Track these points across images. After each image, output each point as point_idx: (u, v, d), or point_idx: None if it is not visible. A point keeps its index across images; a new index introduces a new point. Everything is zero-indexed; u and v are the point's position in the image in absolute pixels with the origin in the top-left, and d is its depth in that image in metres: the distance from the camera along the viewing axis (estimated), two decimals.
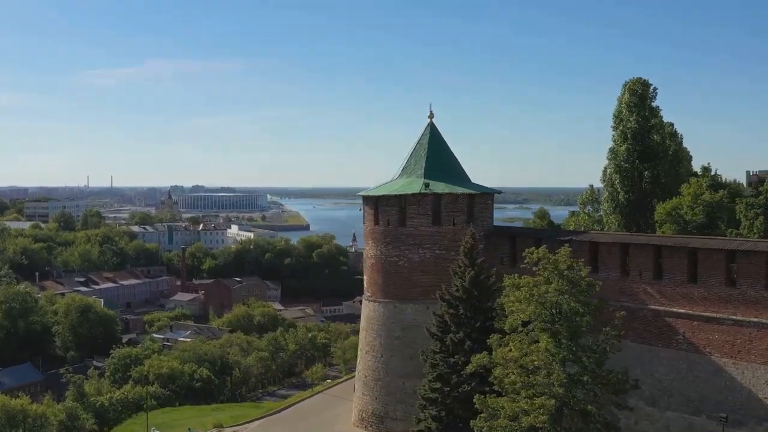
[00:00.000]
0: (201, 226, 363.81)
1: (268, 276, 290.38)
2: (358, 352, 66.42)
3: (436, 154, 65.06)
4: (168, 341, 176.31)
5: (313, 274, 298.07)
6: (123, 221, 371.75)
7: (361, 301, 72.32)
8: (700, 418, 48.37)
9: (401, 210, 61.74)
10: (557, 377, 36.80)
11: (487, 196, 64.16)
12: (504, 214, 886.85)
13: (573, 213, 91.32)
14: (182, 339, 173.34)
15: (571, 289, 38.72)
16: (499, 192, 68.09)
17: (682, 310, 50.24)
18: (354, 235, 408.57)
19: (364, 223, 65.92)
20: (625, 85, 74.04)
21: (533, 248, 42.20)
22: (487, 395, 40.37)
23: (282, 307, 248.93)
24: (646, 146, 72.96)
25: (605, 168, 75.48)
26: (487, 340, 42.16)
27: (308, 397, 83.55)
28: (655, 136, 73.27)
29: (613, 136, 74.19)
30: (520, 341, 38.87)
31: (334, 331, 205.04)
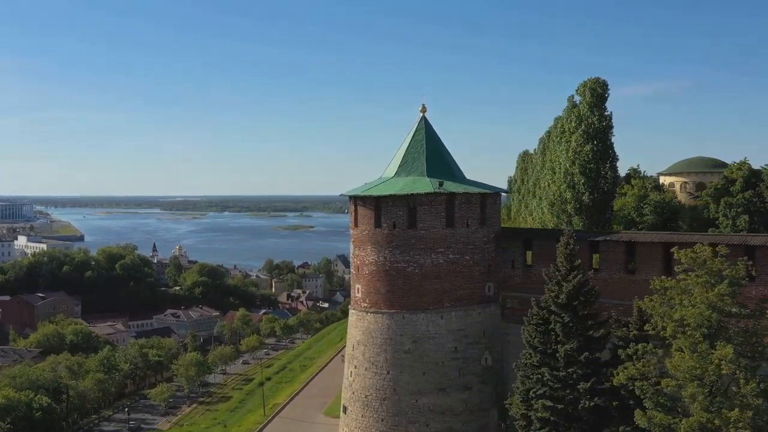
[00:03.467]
0: None
1: (67, 290, 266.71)
2: (349, 370, 59.81)
3: (434, 151, 60.33)
4: None
5: (117, 286, 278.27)
6: None
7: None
8: None
9: (410, 211, 56.31)
10: (752, 387, 33.76)
11: (496, 195, 60.42)
12: (285, 222, 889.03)
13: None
14: None
15: (733, 292, 35.93)
16: (506, 191, 64.37)
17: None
18: (154, 245, 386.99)
19: (355, 226, 59.56)
20: (585, 85, 73.18)
21: (688, 249, 38.76)
22: (637, 410, 36.62)
23: (84, 323, 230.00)
24: (607, 146, 72.58)
25: (563, 170, 74.03)
26: (620, 351, 38.36)
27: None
28: (611, 136, 73.11)
29: (575, 136, 72.97)
30: (693, 350, 35.32)
31: (165, 347, 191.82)
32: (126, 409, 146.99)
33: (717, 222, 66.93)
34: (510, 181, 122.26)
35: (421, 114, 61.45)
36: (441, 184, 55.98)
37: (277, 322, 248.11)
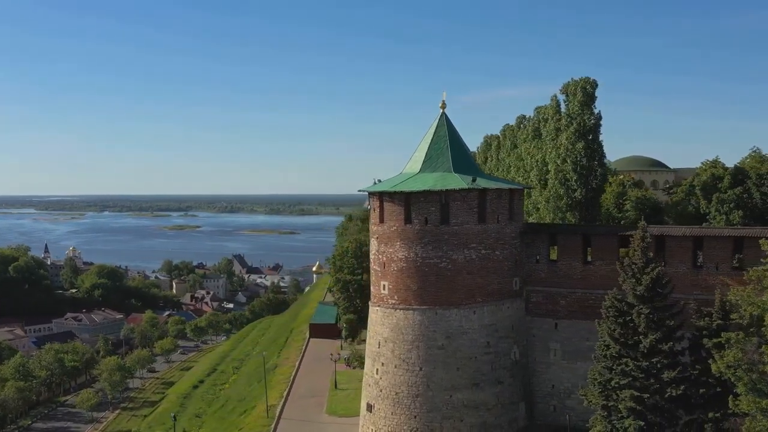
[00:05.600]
0: None
1: None
2: (375, 368, 58.97)
3: (458, 147, 60.40)
4: None
5: (9, 289, 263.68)
6: None
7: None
8: None
9: (443, 207, 56.16)
10: None
11: (522, 191, 61.12)
12: (170, 222, 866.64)
13: None
14: None
15: None
16: (530, 188, 64.96)
17: None
18: (46, 246, 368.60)
19: (380, 222, 58.79)
20: (576, 84, 74.92)
21: None
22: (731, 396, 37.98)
23: None
24: (598, 144, 74.62)
25: (554, 166, 75.56)
26: (705, 341, 39.53)
27: None
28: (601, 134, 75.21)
29: (566, 134, 74.62)
30: None
31: (80, 351, 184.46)
32: None
33: (708, 217, 69.93)
34: None
35: (441, 110, 61.31)
36: (474, 180, 56.06)
37: (188, 324, 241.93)
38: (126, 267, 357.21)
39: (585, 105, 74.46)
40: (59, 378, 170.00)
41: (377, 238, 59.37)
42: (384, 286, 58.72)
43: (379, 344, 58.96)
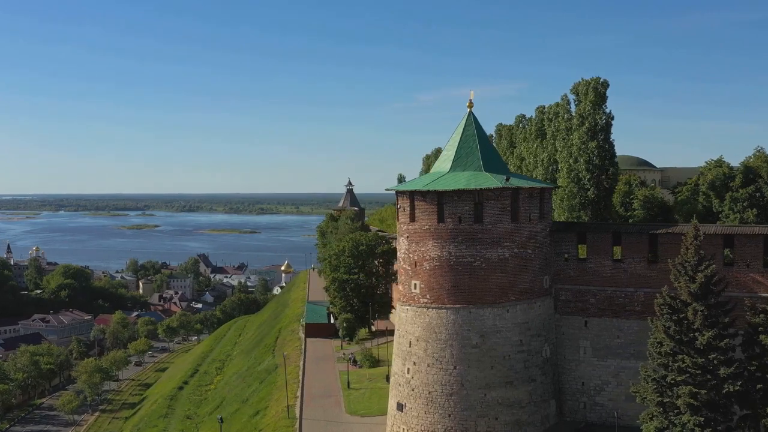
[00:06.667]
0: None
1: None
2: (406, 367, 58.77)
3: (486, 146, 60.67)
4: None
5: None
6: None
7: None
8: None
9: (476, 206, 56.30)
10: None
11: (551, 190, 61.54)
12: (127, 221, 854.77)
13: None
14: None
15: None
16: (558, 187, 65.30)
17: None
18: (9, 246, 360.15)
19: (410, 221, 58.67)
20: (588, 84, 75.63)
21: None
22: None
23: None
24: (609, 143, 75.46)
25: (566, 166, 76.16)
26: (762, 338, 40.22)
27: None
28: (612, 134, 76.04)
29: (578, 134, 75.26)
30: None
31: (55, 353, 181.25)
32: None
33: (721, 216, 71.07)
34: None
35: (468, 109, 61.46)
36: (507, 179, 56.33)
37: (160, 325, 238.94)
38: (88, 267, 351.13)
39: (596, 105, 75.26)
40: (35, 380, 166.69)
41: (407, 237, 59.24)
42: (415, 285, 58.61)
43: (410, 343, 58.83)
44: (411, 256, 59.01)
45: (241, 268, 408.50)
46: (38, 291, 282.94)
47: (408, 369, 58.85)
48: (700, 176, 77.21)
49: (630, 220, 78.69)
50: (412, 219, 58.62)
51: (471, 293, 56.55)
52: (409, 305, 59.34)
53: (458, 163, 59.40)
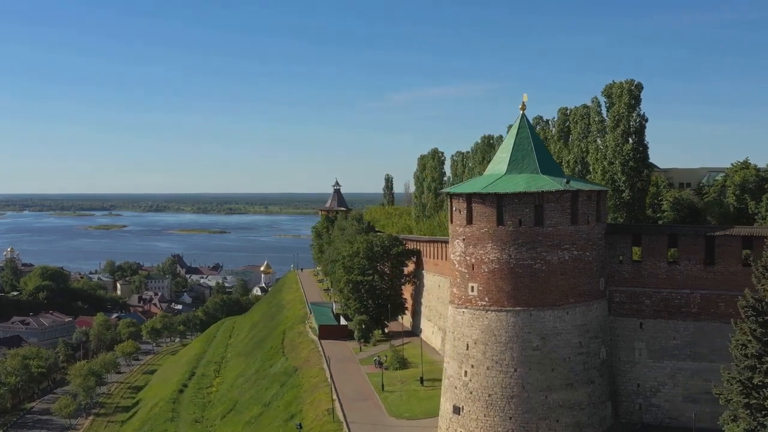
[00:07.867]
0: None
1: None
2: (464, 370, 58.52)
3: (541, 148, 60.80)
4: None
5: None
6: None
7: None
8: None
9: (536, 208, 56.33)
10: None
11: (606, 192, 61.79)
12: (94, 221, 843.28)
13: None
14: None
15: None
16: (608, 190, 65.58)
17: None
18: None
19: (467, 223, 58.46)
20: (622, 87, 76.04)
21: None
22: None
23: None
24: (644, 145, 75.97)
25: (601, 167, 76.46)
26: None
27: None
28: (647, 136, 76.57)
29: (613, 135, 75.61)
30: None
31: (44, 356, 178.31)
32: None
33: (757, 217, 71.91)
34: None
35: (521, 111, 61.50)
36: (568, 182, 56.46)
37: (143, 326, 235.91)
38: (63, 268, 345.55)
39: (631, 107, 75.72)
40: (25, 384, 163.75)
41: (464, 239, 59.03)
42: (473, 287, 58.45)
43: (468, 346, 58.62)
44: (468, 258, 58.81)
45: (216, 268, 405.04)
46: (15, 293, 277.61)
47: (465, 372, 58.64)
48: (727, 178, 78.11)
49: (660, 222, 79.38)
50: (470, 221, 58.44)
51: (531, 295, 56.57)
52: (466, 308, 59.13)
53: (514, 165, 59.38)
